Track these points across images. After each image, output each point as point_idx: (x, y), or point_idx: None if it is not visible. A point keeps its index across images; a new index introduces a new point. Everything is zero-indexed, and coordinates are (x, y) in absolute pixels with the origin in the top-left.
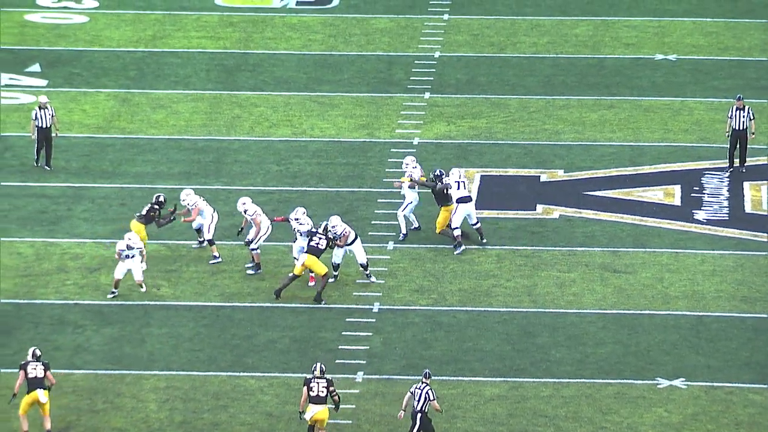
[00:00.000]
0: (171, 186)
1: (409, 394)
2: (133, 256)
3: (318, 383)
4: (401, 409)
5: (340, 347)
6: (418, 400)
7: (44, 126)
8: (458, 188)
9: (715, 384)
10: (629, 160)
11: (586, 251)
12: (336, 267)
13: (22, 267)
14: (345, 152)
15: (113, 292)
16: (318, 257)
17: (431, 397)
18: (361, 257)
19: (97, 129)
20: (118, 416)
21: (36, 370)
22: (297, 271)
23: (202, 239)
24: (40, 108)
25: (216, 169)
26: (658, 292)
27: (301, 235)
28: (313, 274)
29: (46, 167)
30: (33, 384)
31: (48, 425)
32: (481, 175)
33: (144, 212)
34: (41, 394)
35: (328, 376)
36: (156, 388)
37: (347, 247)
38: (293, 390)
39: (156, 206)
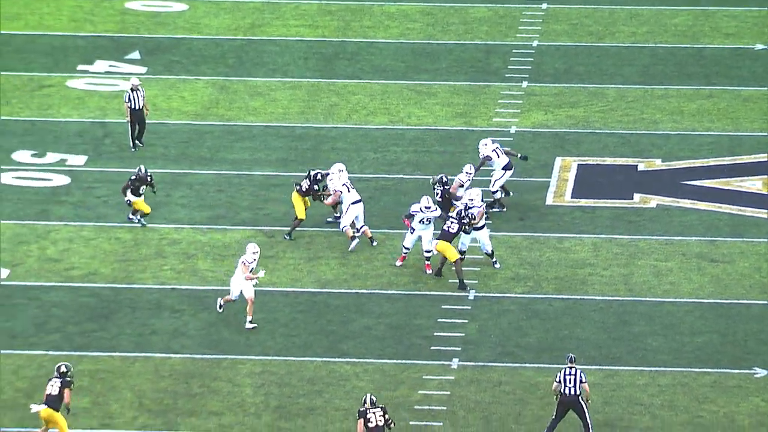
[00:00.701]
0: (269, 173)
1: (556, 383)
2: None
3: (374, 414)
4: (555, 393)
5: (435, 334)
6: (573, 385)
7: (137, 108)
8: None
9: None
10: (728, 150)
11: (684, 240)
12: (462, 252)
13: (120, 252)
14: (442, 140)
15: (221, 307)
16: (450, 242)
17: (584, 379)
18: (488, 245)
19: (195, 116)
20: (214, 400)
21: (53, 387)
22: (451, 258)
23: (337, 215)
24: (132, 90)
25: (313, 157)
26: (756, 281)
27: (425, 223)
28: (429, 262)
29: (138, 143)
30: (46, 401)
31: None
32: (578, 164)
33: (305, 188)
34: (42, 410)
35: (381, 405)
36: (252, 372)
37: (475, 233)
38: (388, 376)
39: (314, 183)
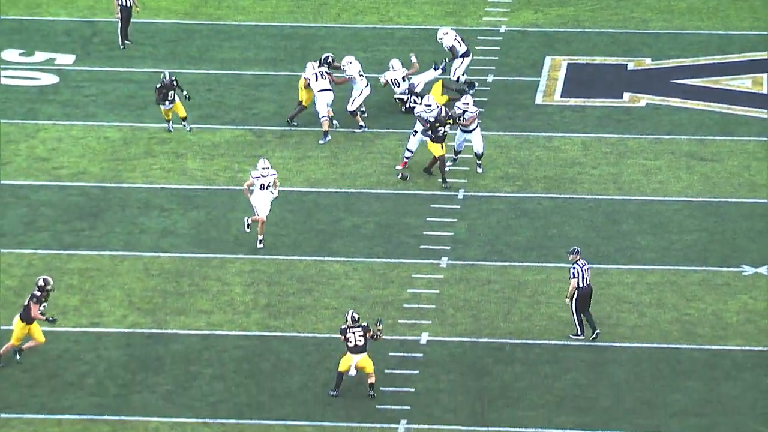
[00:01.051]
0: (257, 72)
1: (573, 280)
2: (268, 186)
3: (354, 333)
4: (567, 297)
5: (424, 233)
6: (584, 276)
7: (127, 5)
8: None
9: None
10: (717, 49)
11: (673, 139)
12: (457, 153)
13: (109, 151)
14: (431, 39)
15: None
16: (441, 144)
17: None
18: (478, 146)
19: (184, 15)
20: (203, 299)
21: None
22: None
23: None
24: None
25: (302, 56)
26: (745, 180)
27: (423, 122)
28: (407, 160)
29: (126, 41)
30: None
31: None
32: (568, 63)
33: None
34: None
35: (363, 324)
36: (241, 271)
37: (467, 135)
38: (377, 275)
39: (325, 65)
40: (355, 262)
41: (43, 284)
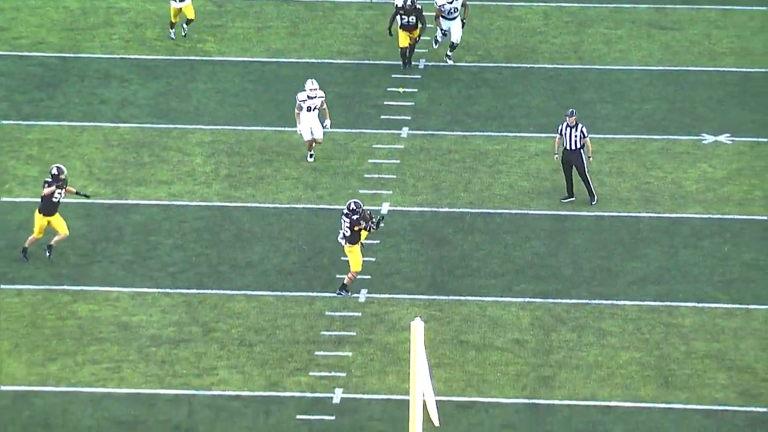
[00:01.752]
0: None
1: (558, 137)
2: (315, 108)
3: (343, 222)
4: (554, 153)
5: (385, 103)
6: (577, 139)
7: None
8: None
9: (760, 139)
10: None
11: (633, 8)
12: (444, 33)
13: (68, 21)
14: None
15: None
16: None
17: (586, 133)
18: (456, 36)
19: None
20: (164, 169)
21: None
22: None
23: None
24: None
25: None
26: (705, 48)
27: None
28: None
29: None
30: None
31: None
32: None
33: None
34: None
35: (357, 216)
36: (202, 142)
37: (449, 23)
38: (338, 145)
39: None
40: None
41: (56, 173)
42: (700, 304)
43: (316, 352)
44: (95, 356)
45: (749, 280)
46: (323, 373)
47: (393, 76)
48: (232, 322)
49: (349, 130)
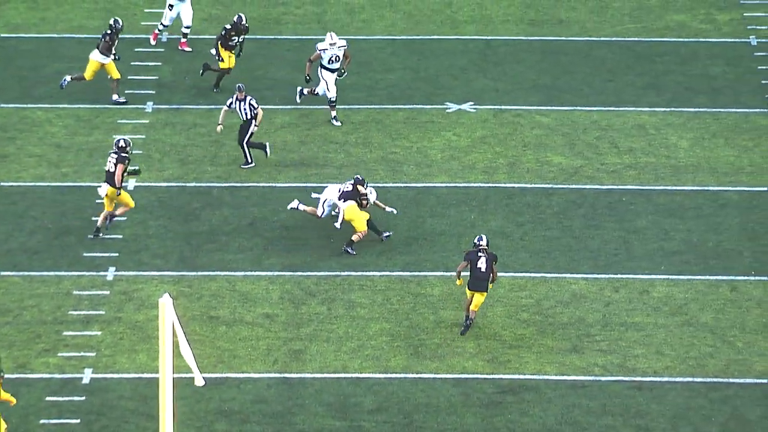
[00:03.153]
0: None
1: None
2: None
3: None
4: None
5: (129, 77)
6: (242, 113)
7: None
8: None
9: (503, 107)
10: None
11: None
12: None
13: None
14: None
15: None
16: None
17: (256, 105)
18: (187, 20)
19: None
20: None
21: (110, 162)
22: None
23: None
24: None
25: None
26: (447, 17)
27: None
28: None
29: None
30: (106, 178)
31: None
32: None
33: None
34: (106, 189)
35: (363, 193)
36: None
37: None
38: (82, 121)
39: None
40: (58, 108)
41: (123, 145)
42: (448, 273)
43: (65, 332)
44: None
45: (495, 248)
46: (72, 354)
47: (136, 50)
48: None
49: (93, 106)
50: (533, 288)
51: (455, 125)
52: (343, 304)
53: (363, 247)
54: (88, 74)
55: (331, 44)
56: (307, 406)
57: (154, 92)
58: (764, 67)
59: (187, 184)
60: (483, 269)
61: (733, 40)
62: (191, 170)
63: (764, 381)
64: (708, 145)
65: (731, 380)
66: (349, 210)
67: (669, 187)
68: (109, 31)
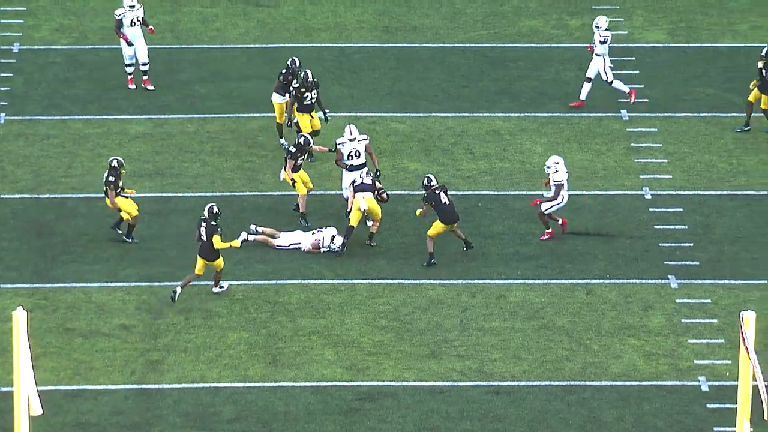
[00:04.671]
0: None
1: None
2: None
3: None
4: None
5: None
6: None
7: None
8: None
9: (358, 114)
10: None
11: None
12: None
13: None
14: None
15: None
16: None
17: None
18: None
19: None
20: None
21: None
22: None
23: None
24: None
25: None
26: (301, 24)
27: None
28: None
29: None
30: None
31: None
32: None
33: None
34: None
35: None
36: None
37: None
38: None
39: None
40: None
41: (117, 165)
42: (306, 281)
43: None
44: None
45: (353, 255)
46: None
47: None
48: None
49: None
50: (391, 295)
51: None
52: (201, 313)
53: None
54: (279, 118)
55: (350, 139)
56: (165, 417)
57: (6, 104)
58: (616, 71)
59: (41, 196)
60: (448, 202)
61: (584, 45)
62: (45, 182)
63: (619, 383)
64: (562, 150)
65: (587, 383)
66: (370, 200)
67: (524, 192)
68: (284, 71)
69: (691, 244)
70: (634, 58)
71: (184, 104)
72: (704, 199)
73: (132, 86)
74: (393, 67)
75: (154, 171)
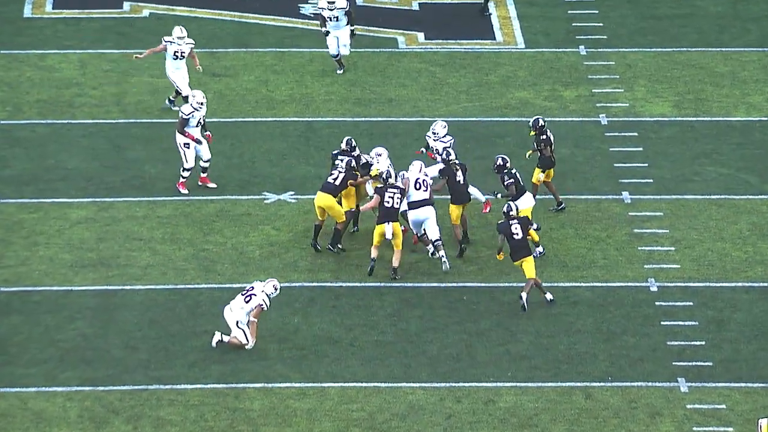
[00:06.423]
0: None
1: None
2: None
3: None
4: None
5: None
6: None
7: None
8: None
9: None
10: None
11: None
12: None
13: None
14: None
15: None
16: None
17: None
18: (434, 232)
19: None
20: None
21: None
22: None
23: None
24: None
25: None
26: (263, 96)
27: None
28: None
29: None
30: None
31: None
32: None
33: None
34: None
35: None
36: None
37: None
38: None
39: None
40: None
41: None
42: (270, 385)
43: None
44: None
45: (322, 355)
46: None
47: None
48: None
49: None
50: (365, 399)
51: (275, 218)
52: (151, 421)
53: (173, 358)
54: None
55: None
56: None
57: None
58: (616, 149)
59: None
60: (462, 182)
61: (581, 119)
62: None
63: None
64: (556, 236)
65: None
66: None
67: (514, 284)
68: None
69: (703, 343)
70: (636, 134)
71: (131, 186)
72: (717, 291)
73: (184, 191)
74: (366, 143)
75: (97, 261)
